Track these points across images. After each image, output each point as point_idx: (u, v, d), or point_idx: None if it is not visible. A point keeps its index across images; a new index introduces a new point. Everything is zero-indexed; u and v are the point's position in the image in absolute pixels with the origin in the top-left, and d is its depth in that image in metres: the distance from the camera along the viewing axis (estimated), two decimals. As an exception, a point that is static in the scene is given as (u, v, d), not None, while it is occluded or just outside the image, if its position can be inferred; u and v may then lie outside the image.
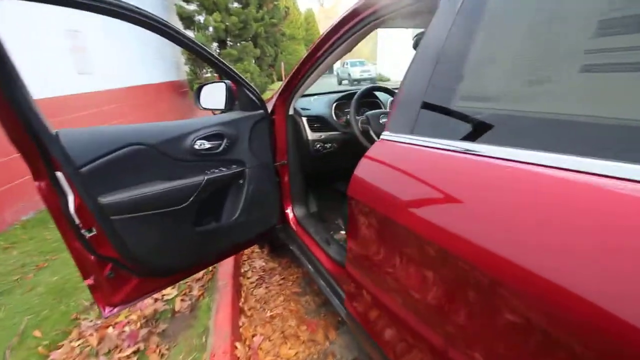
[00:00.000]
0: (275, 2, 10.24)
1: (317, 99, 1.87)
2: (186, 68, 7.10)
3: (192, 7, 7.45)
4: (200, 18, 7.54)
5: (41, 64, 3.26)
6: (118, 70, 4.72)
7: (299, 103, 1.69)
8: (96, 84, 4.15)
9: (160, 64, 5.88)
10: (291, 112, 1.67)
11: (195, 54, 1.23)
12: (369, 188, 0.83)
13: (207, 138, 1.31)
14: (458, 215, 0.56)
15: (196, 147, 1.28)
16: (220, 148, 1.35)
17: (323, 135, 1.66)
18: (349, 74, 17.80)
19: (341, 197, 2.33)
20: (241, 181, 1.48)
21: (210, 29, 7.63)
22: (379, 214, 0.79)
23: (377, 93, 1.85)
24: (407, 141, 0.75)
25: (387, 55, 21.71)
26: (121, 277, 1.23)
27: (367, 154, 0.87)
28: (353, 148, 1.80)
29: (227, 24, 7.56)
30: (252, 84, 1.46)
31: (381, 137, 0.85)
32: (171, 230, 1.25)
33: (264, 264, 2.17)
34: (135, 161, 1.13)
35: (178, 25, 7.20)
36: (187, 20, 7.50)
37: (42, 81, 3.21)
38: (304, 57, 1.41)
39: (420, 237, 0.64)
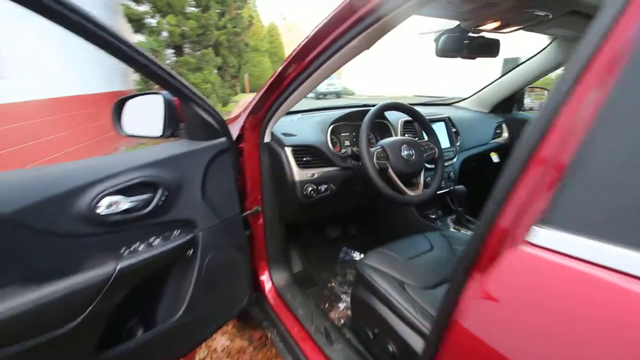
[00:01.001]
0: (239, 11, 9.70)
1: (302, 118, 1.36)
2: (135, 76, 6.27)
3: (142, 8, 6.66)
4: (152, 21, 6.76)
5: None
6: (45, 78, 3.89)
7: (279, 126, 1.17)
8: (12, 94, 3.32)
9: (100, 71, 5.00)
10: (267, 139, 1.15)
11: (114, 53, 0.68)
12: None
13: (124, 191, 0.75)
14: None
15: (101, 210, 0.71)
16: (151, 206, 0.79)
17: (316, 173, 1.15)
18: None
19: (332, 245, 1.82)
20: (190, 252, 0.92)
21: (164, 33, 6.88)
22: None
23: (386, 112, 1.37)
24: None
25: (350, 69, 21.80)
26: None
27: (488, 289, 0.37)
28: (357, 186, 1.30)
29: (184, 28, 6.85)
30: (206, 99, 0.92)
31: (529, 238, 0.36)
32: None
33: (228, 342, 1.57)
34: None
35: (126, 28, 6.41)
36: (137, 22, 6.68)
37: None
38: (288, 60, 0.91)
39: None
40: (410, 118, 1.37)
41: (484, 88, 1.84)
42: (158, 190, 0.80)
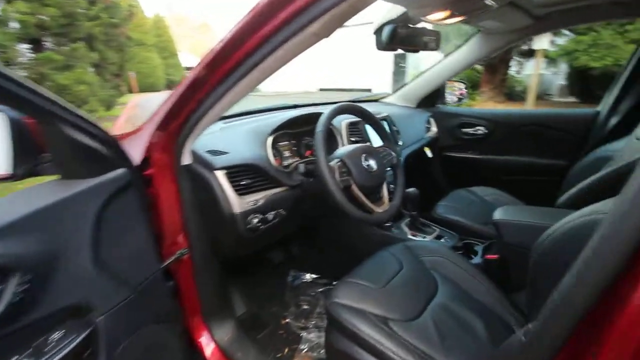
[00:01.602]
0: (114, -1, 8.33)
1: (228, 127, 1.07)
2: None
3: (-26, -10, 5.11)
4: (-7, 7, 5.25)
5: None
6: None
7: (200, 141, 0.88)
8: None
9: None
10: (187, 160, 0.86)
11: None
12: None
13: None
14: None
15: None
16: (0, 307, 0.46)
17: (260, 199, 0.89)
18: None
19: (276, 271, 1.56)
20: (87, 353, 0.60)
21: (14, 24, 5.42)
22: None
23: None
24: None
25: None
26: None
27: None
28: (307, 204, 1.09)
29: (41, 17, 5.50)
30: (83, 113, 0.59)
31: None
32: None
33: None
34: None
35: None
36: (-32, 9, 5.11)
37: None
38: (216, 52, 0.65)
39: None
40: (357, 119, 1.22)
41: (408, 83, 1.82)
42: (11, 277, 0.47)
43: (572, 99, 7.83)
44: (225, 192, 0.84)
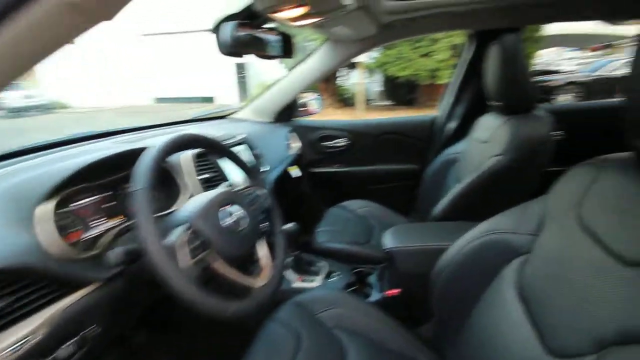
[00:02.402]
0: None
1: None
2: None
3: None
4: None
5: None
6: None
7: None
8: None
9: None
10: None
11: None
12: None
13: None
14: None
15: None
16: None
17: (38, 330, 0.44)
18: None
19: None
20: None
21: None
22: None
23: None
24: None
25: (54, 72, 15.64)
26: None
27: None
28: (143, 292, 0.71)
29: None
30: None
31: None
32: None
33: None
34: None
35: None
36: None
37: None
38: None
39: None
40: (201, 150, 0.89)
41: (262, 95, 1.60)
42: None
43: (388, 102, 9.50)
44: None
